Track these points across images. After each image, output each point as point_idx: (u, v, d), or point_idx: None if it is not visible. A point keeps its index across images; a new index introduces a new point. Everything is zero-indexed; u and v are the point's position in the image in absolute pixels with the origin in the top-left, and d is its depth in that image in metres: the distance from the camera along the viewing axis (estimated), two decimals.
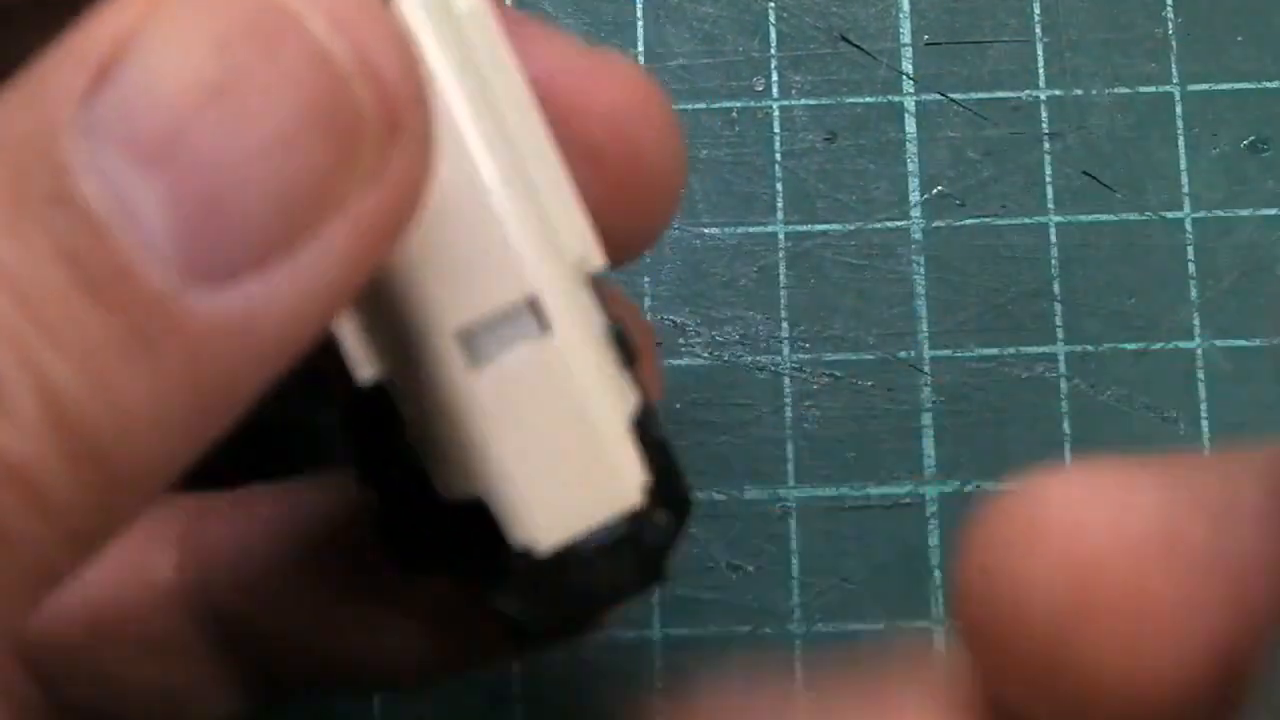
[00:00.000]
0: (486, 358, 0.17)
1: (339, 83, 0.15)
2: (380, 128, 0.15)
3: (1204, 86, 0.30)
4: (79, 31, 0.15)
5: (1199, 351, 0.29)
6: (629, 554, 0.18)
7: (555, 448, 0.17)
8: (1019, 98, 0.30)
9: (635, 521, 0.18)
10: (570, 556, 0.18)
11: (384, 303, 0.17)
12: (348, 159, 0.15)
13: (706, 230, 0.30)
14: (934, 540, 0.28)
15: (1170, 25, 0.30)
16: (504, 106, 0.18)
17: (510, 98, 0.18)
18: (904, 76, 0.30)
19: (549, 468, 0.17)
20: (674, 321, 0.29)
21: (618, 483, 0.18)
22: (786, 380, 0.29)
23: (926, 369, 0.29)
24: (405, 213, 0.16)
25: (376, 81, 0.15)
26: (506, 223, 0.17)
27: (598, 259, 0.19)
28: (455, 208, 0.17)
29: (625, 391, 0.18)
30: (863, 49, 0.30)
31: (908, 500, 0.28)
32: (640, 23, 0.30)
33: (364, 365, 0.17)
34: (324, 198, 0.15)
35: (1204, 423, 0.29)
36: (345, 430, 0.19)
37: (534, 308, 0.17)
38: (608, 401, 0.18)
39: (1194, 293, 0.29)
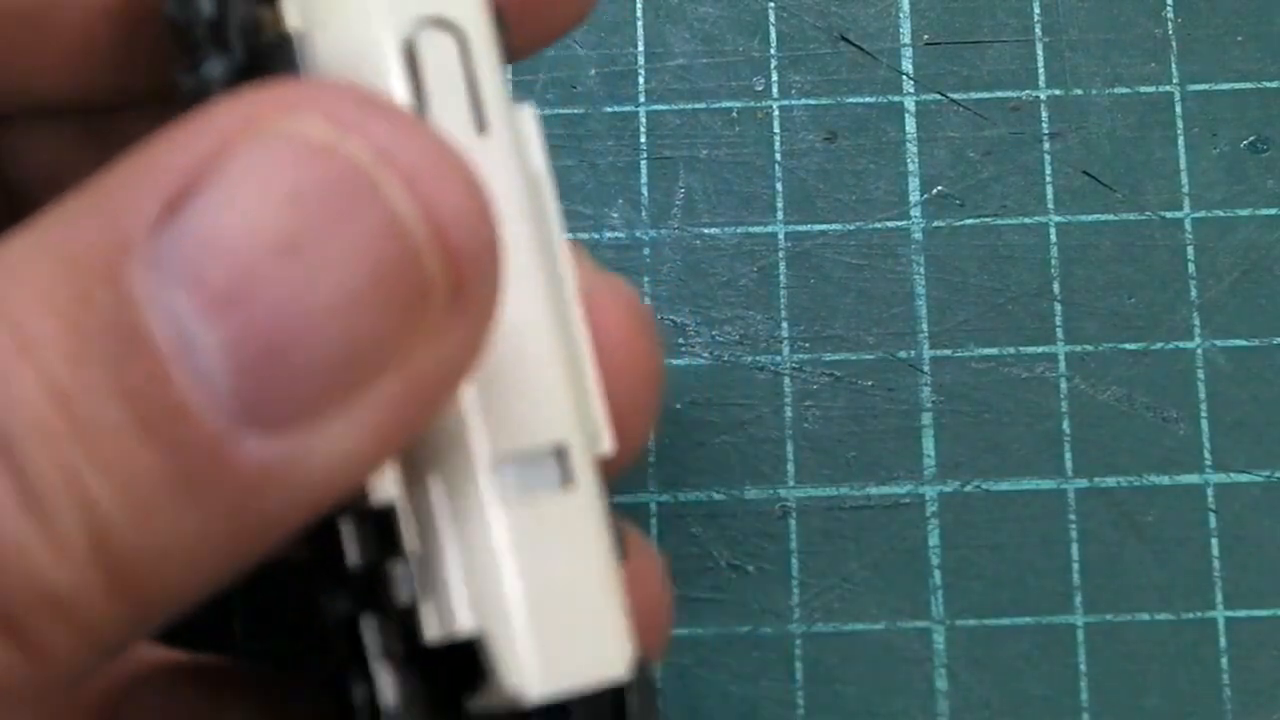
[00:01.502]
0: (511, 495, 0.17)
1: (409, 251, 0.15)
2: (446, 293, 0.15)
3: (1204, 86, 0.30)
4: (154, 149, 0.15)
5: (1199, 351, 0.29)
6: None
7: (560, 601, 0.17)
8: (1019, 98, 0.30)
9: (617, 695, 0.18)
10: (554, 712, 0.18)
11: (424, 443, 0.17)
12: (411, 321, 0.15)
13: (706, 230, 0.30)
14: (934, 540, 0.28)
15: (1170, 25, 0.30)
16: (556, 269, 0.18)
17: (560, 265, 0.19)
18: (904, 76, 0.30)
19: (551, 619, 0.17)
20: (674, 321, 0.29)
21: (610, 651, 0.18)
22: (786, 380, 0.29)
23: (926, 369, 0.29)
24: (461, 373, 0.16)
25: (447, 249, 0.15)
26: (552, 369, 0.17)
27: (607, 443, 0.19)
28: (504, 342, 0.17)
29: (619, 575, 0.18)
30: (863, 49, 0.30)
31: (908, 500, 0.28)
32: (640, 22, 0.30)
33: (387, 484, 0.17)
34: (383, 356, 0.15)
35: (1204, 422, 0.29)
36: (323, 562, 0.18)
37: (561, 458, 0.18)
38: (611, 571, 0.18)
39: (1194, 293, 0.29)
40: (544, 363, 0.17)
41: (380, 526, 0.17)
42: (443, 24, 0.17)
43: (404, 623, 0.17)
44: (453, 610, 0.17)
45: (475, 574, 0.17)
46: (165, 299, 0.14)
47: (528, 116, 0.19)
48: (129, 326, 0.14)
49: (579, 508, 0.18)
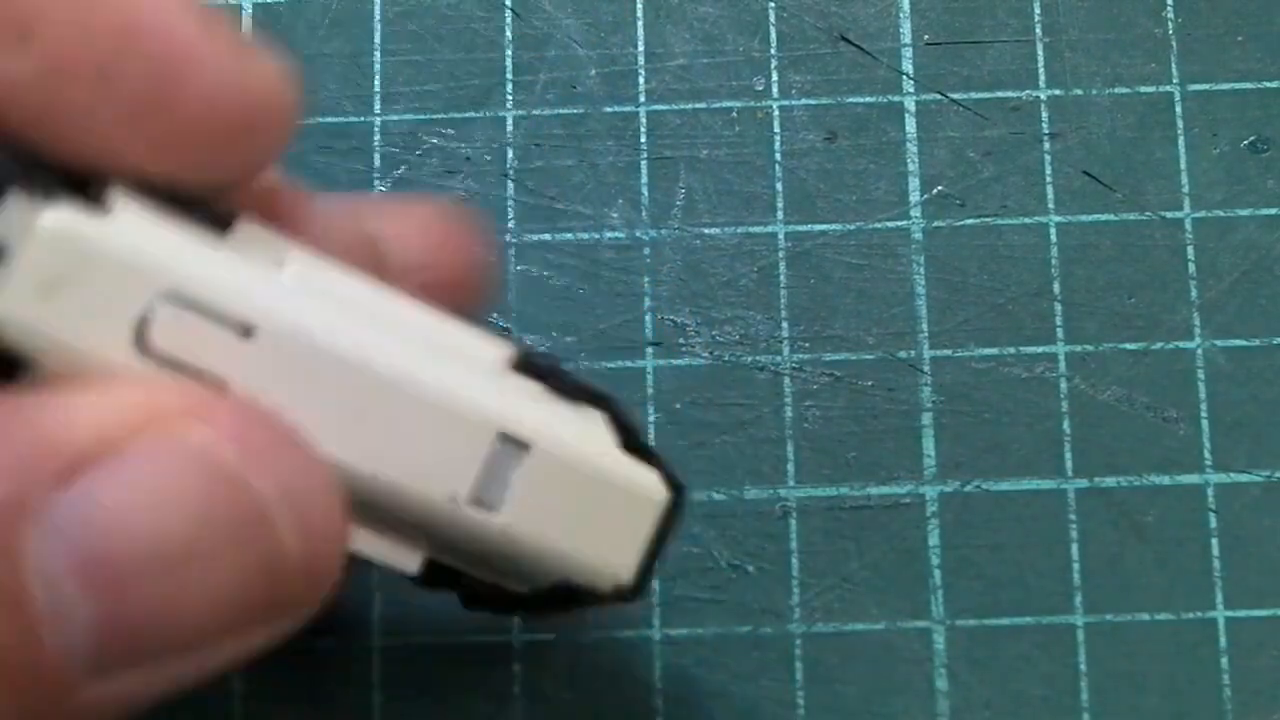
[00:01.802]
0: (498, 498, 0.19)
1: (287, 585, 0.16)
2: (301, 612, 0.17)
3: (1204, 86, 0.30)
4: (62, 409, 0.16)
5: (1199, 351, 0.29)
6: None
7: (589, 512, 0.20)
8: (1019, 98, 0.30)
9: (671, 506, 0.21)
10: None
11: (390, 512, 0.19)
12: (271, 609, 0.17)
13: (706, 230, 0.30)
14: (934, 540, 0.28)
15: (1170, 25, 0.30)
16: (362, 306, 0.19)
17: (361, 295, 0.20)
18: (904, 76, 0.30)
19: (595, 527, 0.20)
20: (674, 321, 0.29)
21: (646, 495, 0.21)
22: (786, 380, 0.29)
23: (926, 369, 0.29)
24: (299, 625, 0.17)
25: (314, 585, 0.17)
26: (441, 400, 0.19)
27: (505, 348, 0.21)
28: (389, 415, 0.18)
29: (591, 416, 0.21)
30: (863, 49, 0.30)
31: (908, 500, 0.28)
32: (640, 23, 0.30)
33: (408, 564, 0.20)
34: (234, 641, 0.17)
35: (1204, 422, 0.29)
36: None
37: (506, 440, 0.19)
38: (595, 444, 0.20)
39: (1194, 293, 0.29)
40: (426, 400, 0.19)
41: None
42: (174, 298, 0.17)
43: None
44: (524, 582, 0.21)
45: (520, 559, 0.20)
46: (50, 566, 0.15)
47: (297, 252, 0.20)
48: (13, 586, 0.15)
49: (547, 448, 0.20)
